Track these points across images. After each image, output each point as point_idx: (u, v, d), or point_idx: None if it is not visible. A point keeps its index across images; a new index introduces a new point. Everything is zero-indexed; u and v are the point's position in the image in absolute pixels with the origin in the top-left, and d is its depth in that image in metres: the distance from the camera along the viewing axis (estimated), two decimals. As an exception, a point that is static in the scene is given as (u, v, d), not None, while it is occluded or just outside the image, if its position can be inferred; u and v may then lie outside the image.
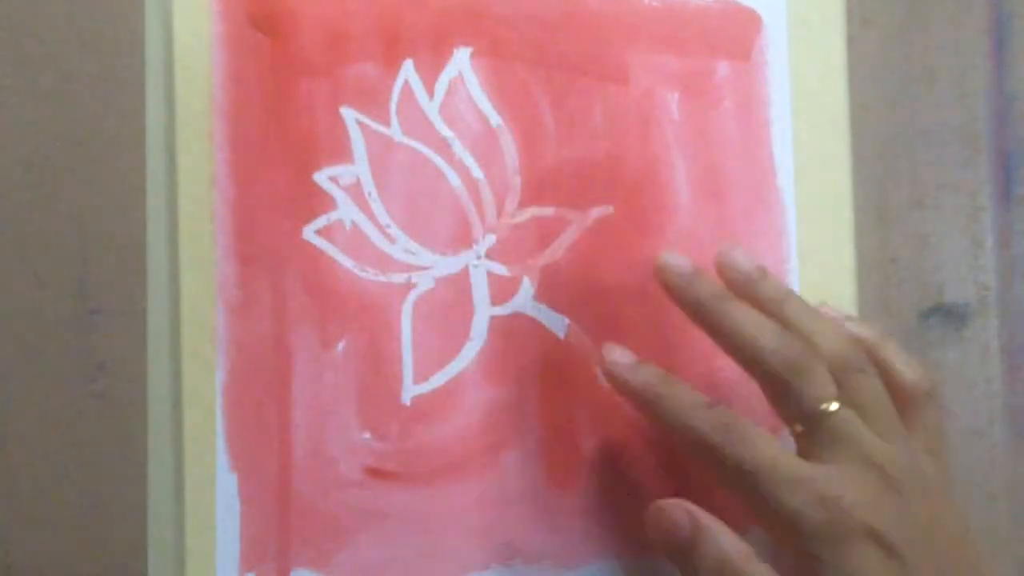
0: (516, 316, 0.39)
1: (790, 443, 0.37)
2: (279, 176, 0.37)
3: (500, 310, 0.39)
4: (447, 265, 0.39)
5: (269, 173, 0.37)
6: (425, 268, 0.38)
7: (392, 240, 0.38)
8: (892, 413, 0.37)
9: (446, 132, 0.39)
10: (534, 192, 0.40)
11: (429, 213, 0.38)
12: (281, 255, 0.37)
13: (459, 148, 0.39)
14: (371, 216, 0.38)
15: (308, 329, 0.37)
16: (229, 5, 0.36)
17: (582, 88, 0.40)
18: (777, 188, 0.43)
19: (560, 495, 0.39)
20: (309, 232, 0.37)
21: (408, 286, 0.38)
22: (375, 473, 0.37)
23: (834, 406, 0.36)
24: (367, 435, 0.37)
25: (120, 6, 0.36)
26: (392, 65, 0.38)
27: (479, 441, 0.38)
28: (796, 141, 0.43)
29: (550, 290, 0.40)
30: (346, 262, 0.37)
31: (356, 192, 0.38)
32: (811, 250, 0.43)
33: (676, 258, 0.39)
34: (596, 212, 0.40)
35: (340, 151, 0.37)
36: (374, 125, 0.38)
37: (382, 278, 0.38)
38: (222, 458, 0.36)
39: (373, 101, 0.38)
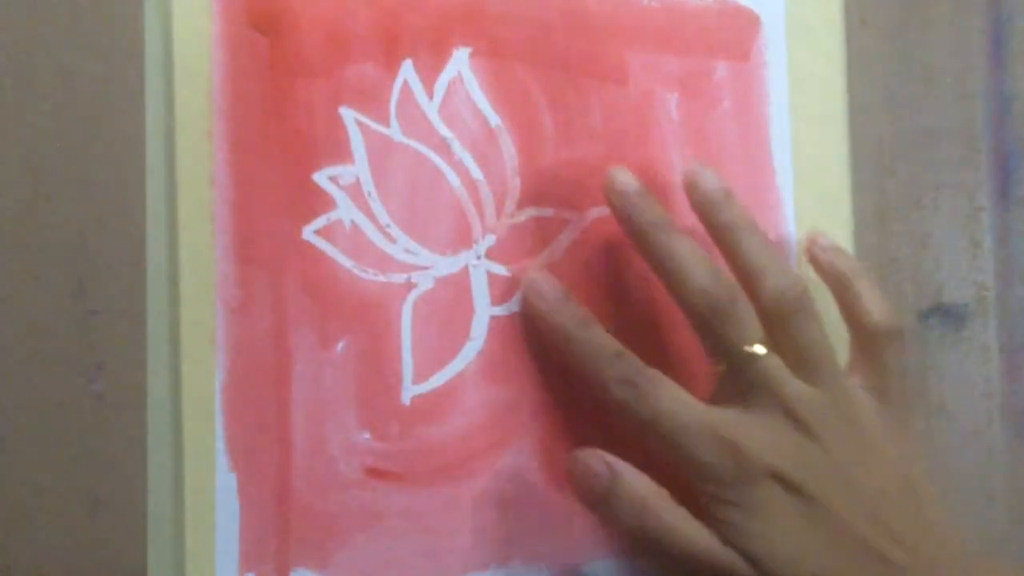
0: (516, 316, 0.39)
1: None
2: (279, 176, 0.37)
3: (500, 310, 0.39)
4: (447, 265, 0.39)
5: (268, 173, 0.37)
6: (425, 268, 0.38)
7: (392, 240, 0.38)
8: (827, 357, 0.37)
9: (445, 132, 0.39)
10: (533, 192, 0.40)
11: (429, 213, 0.38)
12: (281, 255, 0.37)
13: (458, 148, 0.39)
14: (371, 216, 0.38)
15: (308, 329, 0.37)
16: (229, 5, 0.36)
17: (581, 88, 0.40)
18: (776, 188, 0.43)
19: (560, 495, 0.39)
20: (309, 232, 0.37)
21: (408, 286, 0.38)
22: (375, 473, 0.37)
23: (758, 349, 0.36)
24: (367, 435, 0.37)
25: (120, 6, 0.36)
26: (391, 65, 0.38)
27: (479, 441, 0.38)
28: (795, 141, 0.43)
29: (550, 290, 0.40)
30: (346, 262, 0.37)
31: (356, 192, 0.38)
32: (810, 250, 0.43)
33: (623, 176, 0.38)
34: (595, 212, 0.40)
35: (340, 151, 0.38)
36: (374, 125, 0.38)
37: (382, 278, 0.38)
38: (222, 458, 0.36)
39: (373, 101, 0.38)
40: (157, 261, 0.36)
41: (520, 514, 0.39)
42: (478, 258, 0.39)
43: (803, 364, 0.37)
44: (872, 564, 0.35)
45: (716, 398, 0.37)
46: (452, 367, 0.38)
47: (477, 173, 0.39)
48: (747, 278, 0.38)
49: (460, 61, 0.39)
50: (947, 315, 0.46)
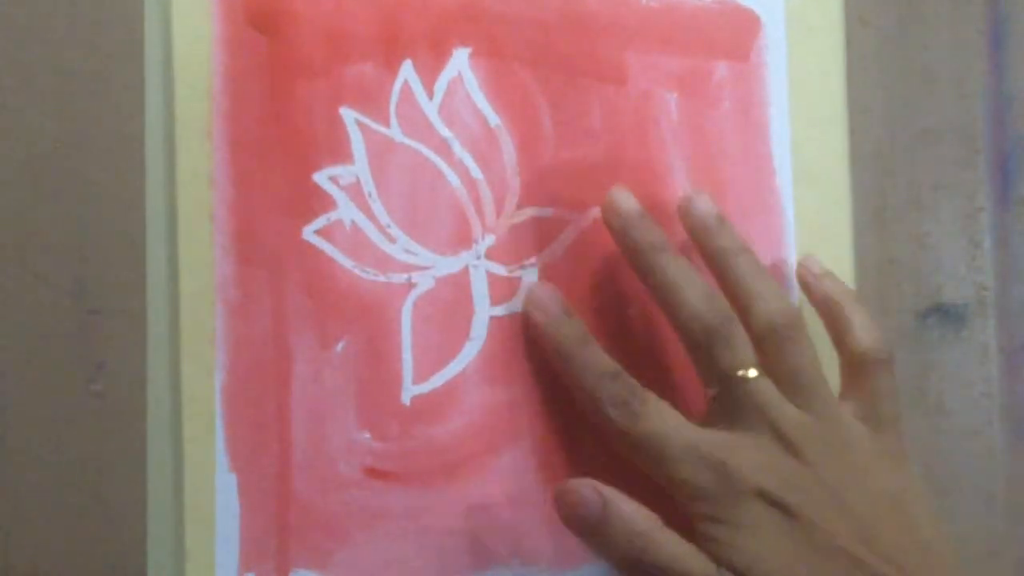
0: (516, 316, 0.39)
1: None
2: (278, 176, 0.37)
3: (500, 310, 0.39)
4: (447, 265, 0.39)
5: (268, 173, 0.37)
6: (425, 268, 0.38)
7: (392, 240, 0.38)
8: (817, 382, 0.38)
9: (445, 132, 0.39)
10: (533, 192, 0.40)
11: (429, 213, 0.38)
12: (281, 255, 0.37)
13: (458, 148, 0.39)
14: (371, 216, 0.38)
15: (308, 329, 0.37)
16: (229, 5, 0.36)
17: (581, 88, 0.40)
18: (775, 189, 0.43)
19: (560, 495, 0.39)
20: (309, 232, 0.37)
21: (408, 286, 0.38)
22: (375, 473, 0.37)
23: (751, 373, 0.37)
24: (367, 435, 0.37)
25: (120, 6, 0.36)
26: (391, 65, 0.38)
27: (479, 441, 0.38)
28: (794, 142, 0.43)
29: (550, 290, 0.40)
30: (346, 262, 0.37)
31: (356, 192, 0.38)
32: (809, 251, 0.43)
33: (623, 197, 0.39)
34: (595, 212, 0.40)
35: (340, 151, 0.38)
36: (374, 125, 0.38)
37: (382, 278, 0.38)
38: (222, 458, 0.36)
39: (373, 101, 0.38)
40: (157, 261, 0.36)
41: (520, 514, 0.39)
42: (478, 258, 0.39)
43: (794, 389, 0.37)
44: (879, 567, 0.35)
45: (708, 420, 0.38)
46: (452, 367, 0.38)
47: (477, 173, 0.39)
48: (740, 302, 0.38)
49: (460, 61, 0.39)
50: (946, 315, 0.46)
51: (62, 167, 0.35)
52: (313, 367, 0.37)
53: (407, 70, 0.38)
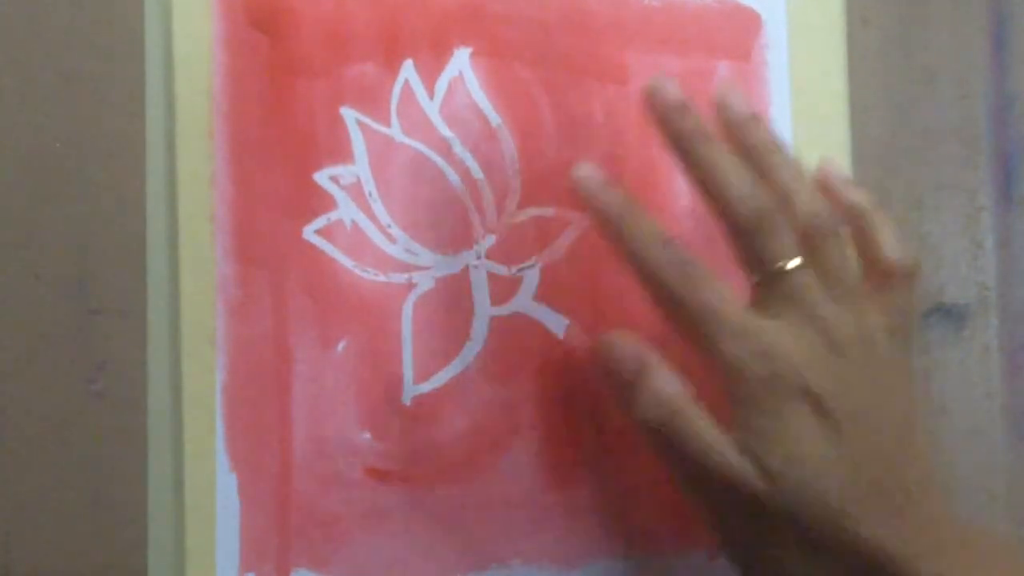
0: (516, 316, 0.39)
1: None
2: (279, 176, 0.37)
3: (500, 310, 0.39)
4: (447, 265, 0.39)
5: (269, 173, 0.37)
6: (425, 268, 0.38)
7: (392, 240, 0.38)
8: (856, 282, 0.37)
9: (446, 132, 0.39)
10: (534, 192, 0.40)
11: (429, 213, 0.38)
12: (281, 255, 0.37)
13: (459, 148, 0.39)
14: (371, 216, 0.38)
15: (308, 329, 0.37)
16: (229, 5, 0.36)
17: (582, 88, 0.40)
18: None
19: (560, 495, 0.39)
20: (309, 232, 0.37)
21: (408, 286, 0.38)
22: (375, 473, 0.37)
23: (795, 262, 0.36)
24: (367, 435, 0.37)
25: (120, 6, 0.36)
26: (392, 65, 0.38)
27: (479, 441, 0.38)
28: (796, 141, 0.43)
29: (550, 290, 0.40)
30: (346, 262, 0.37)
31: (356, 192, 0.38)
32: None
33: (667, 85, 0.37)
34: (596, 212, 0.40)
35: (340, 151, 0.37)
36: (374, 125, 0.38)
37: (382, 278, 0.38)
38: (222, 458, 0.36)
39: (373, 101, 0.38)
40: (157, 261, 0.36)
41: (520, 514, 0.39)
42: (478, 258, 0.39)
43: (835, 286, 0.36)
44: (894, 488, 0.35)
45: (753, 307, 0.37)
46: (452, 367, 0.38)
47: (478, 173, 0.39)
48: (780, 197, 0.37)
49: (461, 61, 0.39)
50: (948, 315, 0.46)
51: (62, 167, 0.35)
52: (313, 367, 0.37)
53: (408, 70, 0.38)
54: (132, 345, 0.35)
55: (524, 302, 0.39)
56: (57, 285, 0.35)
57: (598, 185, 0.37)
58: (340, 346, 0.37)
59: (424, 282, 0.38)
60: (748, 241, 0.36)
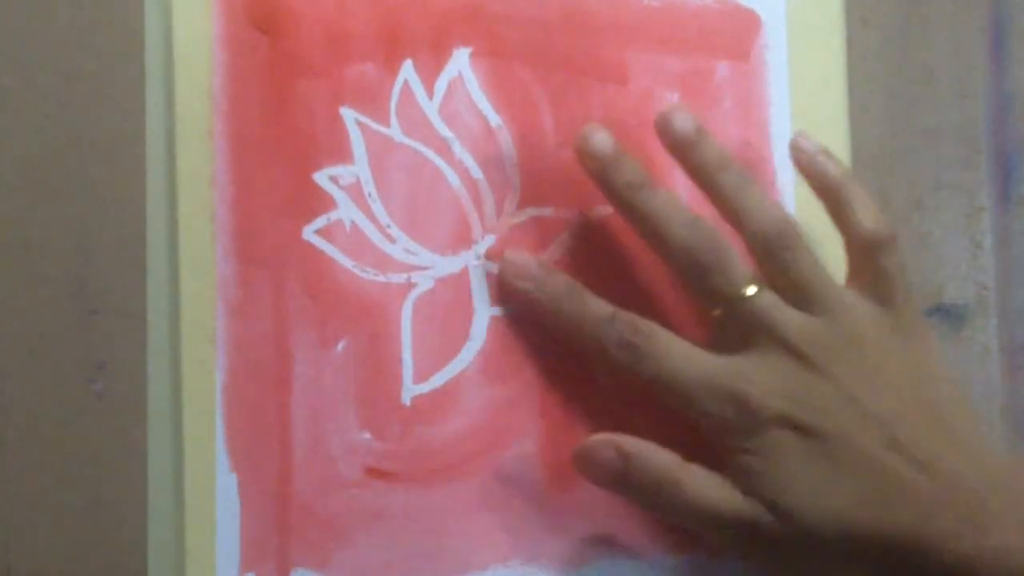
0: (516, 316, 0.39)
1: None
2: (279, 176, 0.37)
3: (500, 310, 0.39)
4: (447, 265, 0.39)
5: (269, 173, 0.37)
6: (425, 268, 0.38)
7: (392, 240, 0.38)
8: (821, 285, 0.37)
9: (446, 132, 0.39)
10: (534, 192, 0.40)
11: (429, 213, 0.38)
12: (281, 255, 0.37)
13: (459, 148, 0.39)
14: (371, 216, 0.38)
15: (308, 329, 0.37)
16: (229, 5, 0.36)
17: (581, 88, 0.40)
18: (776, 189, 0.43)
19: (560, 495, 0.39)
20: (309, 232, 0.37)
21: (408, 286, 0.38)
22: (375, 473, 0.37)
23: (751, 290, 0.36)
24: (367, 435, 0.37)
25: (120, 6, 0.36)
26: (392, 65, 0.38)
27: (479, 441, 0.38)
28: (796, 141, 0.43)
29: (550, 290, 0.40)
30: (346, 262, 0.37)
31: (356, 192, 0.38)
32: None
33: (598, 137, 0.38)
34: (596, 212, 0.40)
35: (340, 151, 0.38)
36: (374, 125, 0.38)
37: (382, 278, 0.38)
38: (222, 458, 0.36)
39: (373, 101, 0.38)
40: (157, 261, 0.36)
41: (520, 514, 0.39)
42: (478, 258, 0.39)
43: (798, 296, 0.36)
44: (895, 493, 0.35)
45: (716, 342, 0.37)
46: (452, 367, 0.38)
47: (477, 173, 0.39)
48: (730, 218, 0.37)
49: (460, 61, 0.39)
50: (947, 315, 0.46)
51: (62, 167, 0.35)
52: (313, 367, 0.37)
53: (407, 70, 0.38)
54: (132, 345, 0.35)
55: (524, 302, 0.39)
56: (57, 285, 0.35)
57: (537, 276, 0.38)
58: (340, 346, 0.37)
59: (424, 282, 0.38)
60: (698, 282, 0.37)
